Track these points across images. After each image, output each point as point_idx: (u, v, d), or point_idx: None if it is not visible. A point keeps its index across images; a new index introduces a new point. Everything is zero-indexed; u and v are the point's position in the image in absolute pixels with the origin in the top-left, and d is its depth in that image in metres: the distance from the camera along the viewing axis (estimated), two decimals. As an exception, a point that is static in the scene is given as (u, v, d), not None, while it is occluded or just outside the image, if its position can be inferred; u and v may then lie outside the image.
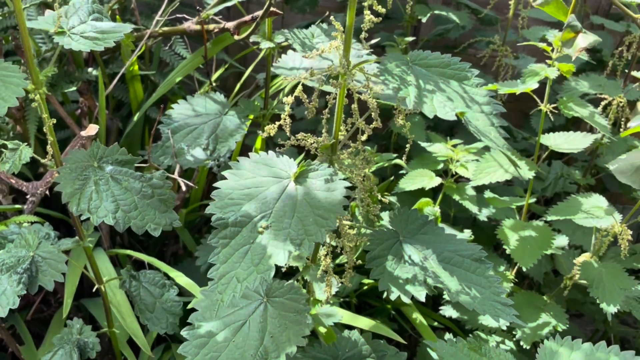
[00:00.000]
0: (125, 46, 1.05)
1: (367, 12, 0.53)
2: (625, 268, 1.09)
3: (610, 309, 0.94)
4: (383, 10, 0.54)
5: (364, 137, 0.62)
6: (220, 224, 0.56)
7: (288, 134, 0.61)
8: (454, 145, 1.15)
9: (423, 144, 1.16)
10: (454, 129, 1.53)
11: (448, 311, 1.18)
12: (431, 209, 1.08)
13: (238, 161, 0.60)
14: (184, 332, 0.69)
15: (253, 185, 0.59)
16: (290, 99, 0.59)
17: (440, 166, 1.19)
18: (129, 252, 1.04)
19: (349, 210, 1.00)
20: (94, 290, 0.89)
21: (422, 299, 0.64)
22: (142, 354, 1.09)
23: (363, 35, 0.55)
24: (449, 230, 1.04)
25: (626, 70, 1.31)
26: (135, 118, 1.18)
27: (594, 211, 0.97)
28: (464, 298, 0.63)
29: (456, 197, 1.16)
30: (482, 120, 0.54)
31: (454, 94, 0.55)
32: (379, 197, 0.70)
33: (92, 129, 0.91)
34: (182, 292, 1.06)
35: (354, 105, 0.58)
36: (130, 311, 0.98)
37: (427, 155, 1.22)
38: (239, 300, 0.74)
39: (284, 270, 0.78)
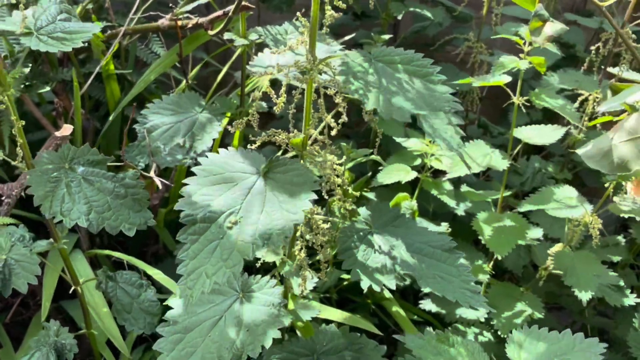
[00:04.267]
0: (95, 46, 1.04)
1: (327, 7, 0.54)
2: (601, 260, 1.12)
3: (584, 295, 0.96)
4: (343, 7, 0.55)
5: (333, 132, 0.63)
6: (189, 221, 0.56)
7: (256, 128, 0.62)
8: (432, 141, 1.16)
9: (399, 140, 1.17)
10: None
11: (427, 305, 1.19)
12: (409, 204, 1.09)
13: (207, 157, 0.61)
14: (159, 329, 0.69)
15: (222, 181, 0.59)
16: (257, 94, 0.60)
17: (418, 162, 1.20)
18: (106, 252, 1.04)
19: (327, 206, 1.00)
20: (70, 291, 0.89)
21: (393, 286, 0.65)
22: (122, 355, 1.08)
23: (324, 30, 0.55)
24: (424, 223, 1.05)
25: (602, 67, 1.33)
26: (111, 118, 1.18)
27: (566, 201, 0.99)
28: (434, 285, 0.64)
29: (434, 192, 1.18)
30: (440, 119, 0.55)
31: (414, 92, 0.55)
32: (350, 190, 0.71)
33: (66, 129, 0.91)
34: (162, 291, 1.06)
35: (321, 100, 0.59)
36: (108, 312, 0.97)
37: (405, 152, 1.24)
38: (215, 296, 0.74)
39: (258, 265, 0.78)
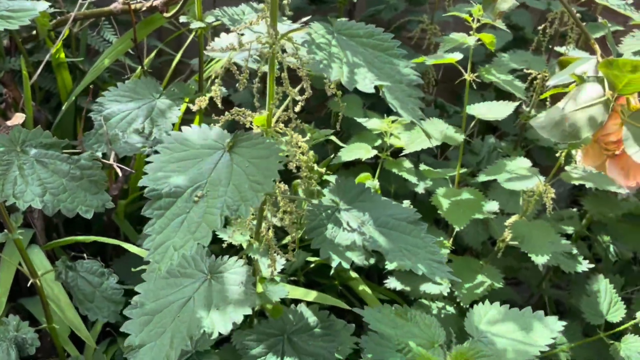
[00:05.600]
0: (41, 26, 1.00)
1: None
2: (556, 232, 1.17)
3: (540, 259, 1.00)
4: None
5: (297, 108, 0.63)
6: (154, 195, 0.55)
7: (220, 105, 0.62)
8: (393, 122, 1.19)
9: (360, 120, 1.19)
10: (391, 110, 1.57)
11: (392, 283, 1.21)
12: (371, 183, 1.11)
13: (170, 135, 0.60)
14: (126, 311, 0.68)
15: (187, 158, 0.58)
16: (220, 71, 0.59)
17: (379, 142, 1.22)
18: (67, 239, 1.01)
19: (292, 188, 1.01)
20: (28, 284, 0.86)
21: (362, 263, 0.66)
22: (86, 349, 1.06)
23: (286, 1, 0.56)
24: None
25: (550, 46, 1.39)
26: (64, 107, 1.14)
27: (519, 171, 1.03)
28: (401, 259, 0.65)
29: (395, 171, 1.20)
30: (401, 91, 0.57)
31: (376, 65, 0.56)
32: (315, 167, 0.71)
33: (18, 118, 0.88)
34: (124, 283, 1.04)
35: (284, 74, 0.59)
36: (69, 304, 0.95)
37: (366, 133, 1.25)
38: (183, 279, 0.74)
39: (224, 247, 0.78)
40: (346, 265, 0.67)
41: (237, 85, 0.61)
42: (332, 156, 1.17)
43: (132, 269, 0.91)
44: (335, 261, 0.67)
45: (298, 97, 0.60)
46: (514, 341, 0.66)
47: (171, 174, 0.57)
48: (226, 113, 0.66)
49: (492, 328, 0.68)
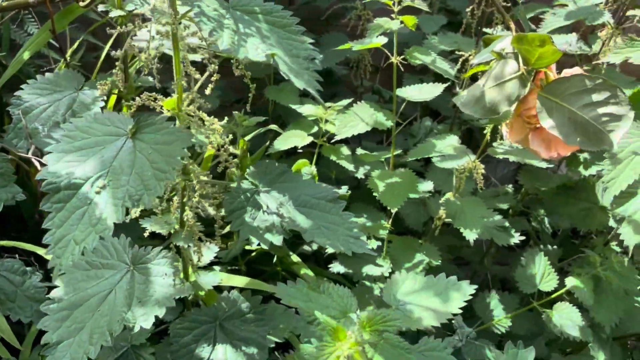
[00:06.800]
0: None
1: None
2: (493, 208, 1.20)
3: (471, 235, 1.03)
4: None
5: (195, 87, 0.62)
6: (52, 189, 0.54)
7: (122, 88, 0.60)
8: (328, 108, 1.19)
9: (294, 106, 1.18)
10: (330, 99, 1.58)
11: (337, 267, 1.22)
12: (308, 169, 1.11)
13: (70, 123, 0.58)
14: (43, 307, 0.66)
15: (88, 146, 0.57)
16: (119, 53, 0.58)
17: (315, 129, 1.22)
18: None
19: (226, 177, 1.00)
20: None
21: (279, 243, 0.66)
22: (22, 353, 1.03)
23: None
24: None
25: (479, 28, 1.42)
26: (-15, 104, 1.09)
27: (448, 150, 1.05)
28: (319, 236, 0.66)
29: (333, 158, 1.20)
30: (298, 64, 0.57)
31: (273, 39, 0.56)
32: (231, 149, 0.70)
33: None
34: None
35: (184, 53, 0.58)
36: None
37: (302, 121, 1.26)
38: (104, 271, 0.72)
39: (146, 235, 0.77)
40: (265, 247, 0.67)
41: (140, 66, 0.60)
42: (267, 144, 1.16)
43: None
44: (254, 243, 0.67)
45: (198, 76, 0.59)
46: (428, 309, 0.68)
47: (71, 164, 0.56)
48: (137, 98, 0.65)
49: (410, 297, 0.70)
